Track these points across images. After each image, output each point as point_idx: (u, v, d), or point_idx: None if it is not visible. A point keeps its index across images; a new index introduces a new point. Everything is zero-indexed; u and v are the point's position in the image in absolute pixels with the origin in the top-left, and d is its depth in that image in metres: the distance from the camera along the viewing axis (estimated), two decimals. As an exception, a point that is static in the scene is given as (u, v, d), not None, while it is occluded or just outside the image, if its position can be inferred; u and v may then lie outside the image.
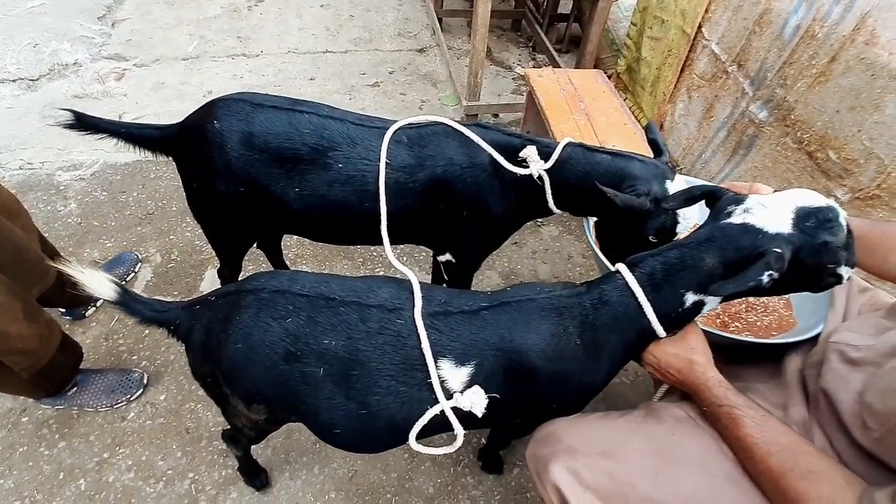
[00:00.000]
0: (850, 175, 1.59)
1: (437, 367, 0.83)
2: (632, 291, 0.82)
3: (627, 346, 0.87)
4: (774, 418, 0.75)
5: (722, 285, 0.75)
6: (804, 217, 0.74)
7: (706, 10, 2.12)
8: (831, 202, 0.76)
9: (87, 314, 1.77)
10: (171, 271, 1.94)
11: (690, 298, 0.81)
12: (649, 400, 0.98)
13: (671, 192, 1.06)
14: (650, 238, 1.08)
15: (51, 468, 1.40)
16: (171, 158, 1.24)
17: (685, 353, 0.84)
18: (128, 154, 2.43)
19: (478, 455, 1.45)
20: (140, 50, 3.23)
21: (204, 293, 1.89)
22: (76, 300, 1.69)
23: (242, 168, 1.12)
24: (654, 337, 0.85)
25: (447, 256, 1.37)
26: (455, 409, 0.84)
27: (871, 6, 1.51)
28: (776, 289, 0.80)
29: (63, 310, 1.73)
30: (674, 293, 0.81)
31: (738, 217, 0.78)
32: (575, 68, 2.56)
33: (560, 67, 2.85)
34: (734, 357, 0.99)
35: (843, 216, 0.75)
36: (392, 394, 0.84)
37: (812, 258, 0.74)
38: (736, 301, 1.07)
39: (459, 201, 1.20)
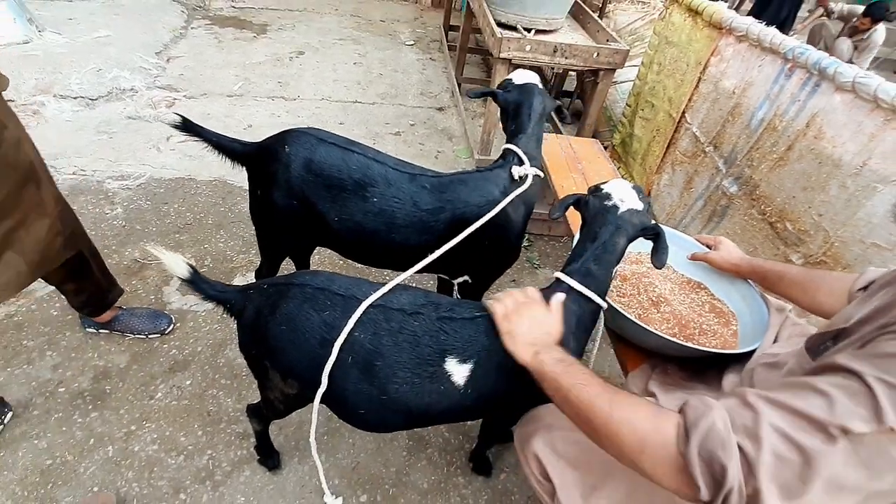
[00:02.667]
0: (802, 243, 1.87)
1: (444, 362, 1.01)
2: (577, 289, 1.05)
3: (586, 329, 1.10)
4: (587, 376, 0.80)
5: (660, 258, 1.07)
6: (638, 192, 1.11)
7: (689, 100, 2.50)
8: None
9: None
10: (204, 276, 2.14)
11: (615, 270, 1.11)
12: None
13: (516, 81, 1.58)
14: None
15: (82, 434, 1.54)
16: (244, 169, 1.50)
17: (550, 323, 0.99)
18: (172, 170, 2.74)
19: (469, 458, 1.60)
20: (191, 84, 3.60)
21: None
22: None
23: (299, 186, 1.37)
24: (599, 310, 1.09)
25: (464, 278, 1.59)
26: (460, 401, 1.04)
27: (819, 108, 1.85)
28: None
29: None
30: (606, 273, 1.08)
31: (624, 206, 1.09)
32: (576, 135, 2.92)
33: (563, 135, 3.23)
34: (687, 369, 1.21)
35: None
36: (408, 383, 1.01)
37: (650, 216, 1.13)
38: (692, 325, 1.30)
39: (481, 234, 1.39)
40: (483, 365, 1.03)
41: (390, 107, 3.79)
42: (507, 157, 1.51)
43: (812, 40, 4.78)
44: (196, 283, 1.11)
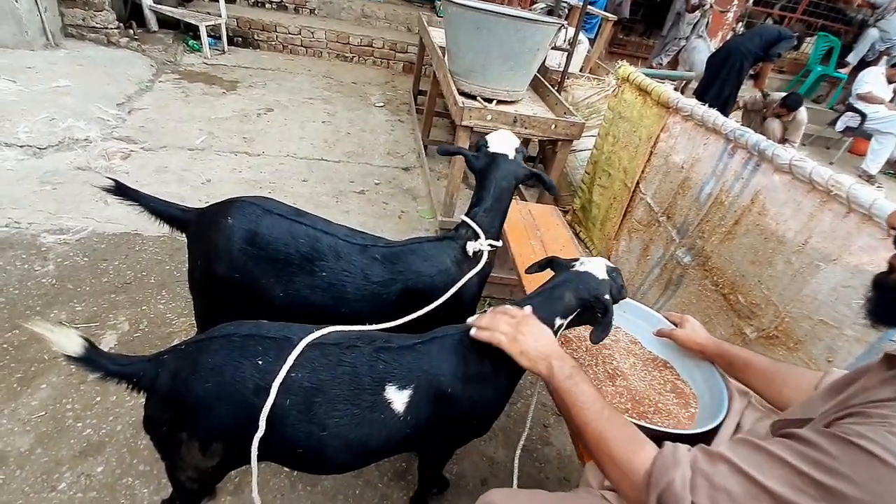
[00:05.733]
0: (755, 317, 1.89)
1: (384, 390, 1.01)
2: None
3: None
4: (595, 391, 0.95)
5: (597, 335, 1.10)
6: (611, 271, 1.18)
7: (643, 171, 2.59)
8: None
9: None
10: (137, 341, 1.97)
11: (557, 322, 1.13)
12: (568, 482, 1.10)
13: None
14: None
15: (-41, 537, 1.31)
16: (184, 235, 1.40)
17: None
18: (118, 225, 2.59)
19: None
20: (150, 136, 3.53)
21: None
22: None
23: (241, 259, 1.28)
24: None
25: None
26: (400, 429, 1.03)
27: (762, 186, 1.93)
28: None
29: None
30: (549, 320, 1.11)
31: (580, 268, 1.17)
32: (537, 201, 2.98)
33: (525, 199, 3.29)
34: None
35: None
36: (347, 415, 0.99)
37: (618, 296, 1.18)
38: (647, 402, 1.25)
39: (437, 306, 1.35)
40: (422, 390, 1.04)
41: (356, 165, 3.80)
42: (460, 230, 1.49)
43: (746, 120, 5.22)
44: (92, 360, 0.95)
